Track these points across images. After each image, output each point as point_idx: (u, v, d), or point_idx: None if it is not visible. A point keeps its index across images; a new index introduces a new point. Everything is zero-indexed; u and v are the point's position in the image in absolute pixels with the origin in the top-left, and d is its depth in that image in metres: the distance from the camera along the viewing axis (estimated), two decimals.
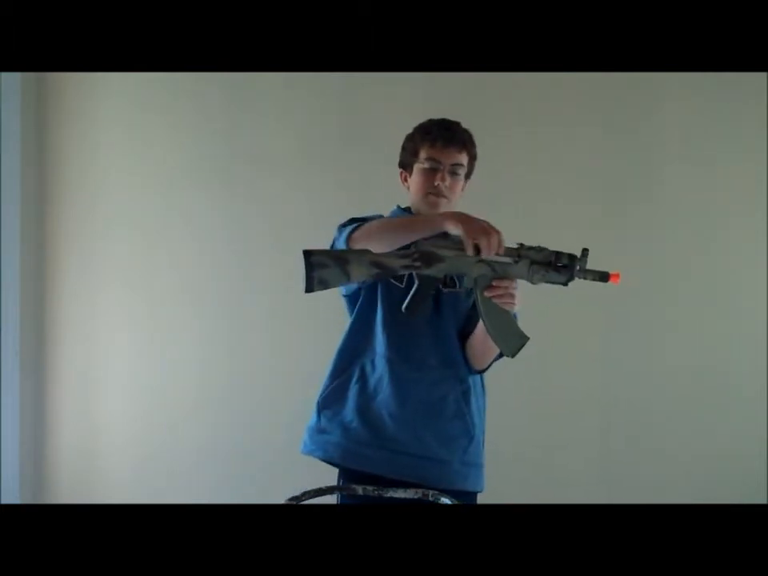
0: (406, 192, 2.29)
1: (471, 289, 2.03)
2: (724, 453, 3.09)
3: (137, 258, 3.42)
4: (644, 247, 3.13)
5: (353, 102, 3.23)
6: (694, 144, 3.13)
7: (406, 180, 2.29)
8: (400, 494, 2.11)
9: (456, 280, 2.08)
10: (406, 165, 2.28)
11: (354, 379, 2.23)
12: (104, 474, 3.45)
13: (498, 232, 1.94)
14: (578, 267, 1.93)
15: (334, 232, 2.17)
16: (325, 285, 1.99)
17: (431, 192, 2.21)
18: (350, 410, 2.22)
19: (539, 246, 1.96)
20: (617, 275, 1.93)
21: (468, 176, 2.27)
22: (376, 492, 2.13)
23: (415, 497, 2.10)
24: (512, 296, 2.01)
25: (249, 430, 3.29)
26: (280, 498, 2.12)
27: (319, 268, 1.99)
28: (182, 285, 3.38)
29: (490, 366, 2.25)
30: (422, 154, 2.22)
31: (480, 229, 1.93)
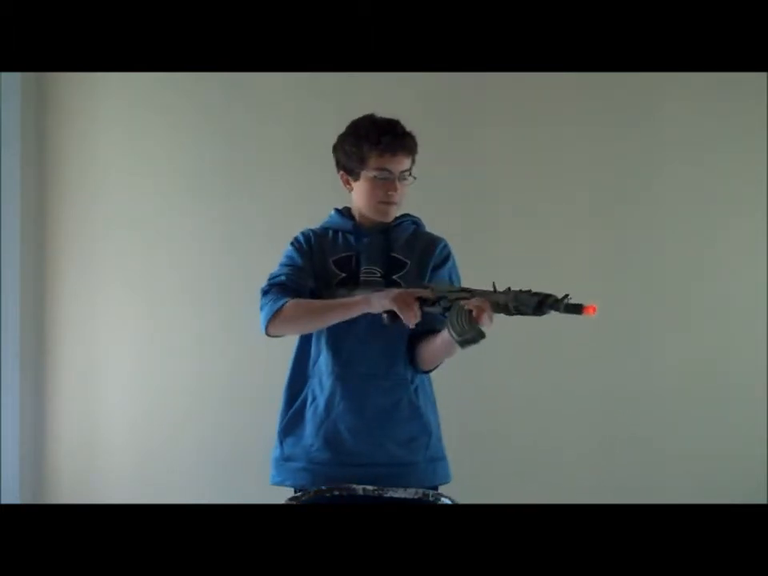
0: (347, 194, 2.29)
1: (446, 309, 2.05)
2: (724, 453, 3.09)
3: (137, 257, 3.41)
4: (644, 247, 3.13)
5: (352, 102, 3.22)
6: (694, 144, 3.13)
7: (348, 183, 2.28)
8: (400, 493, 2.11)
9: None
10: (349, 170, 2.26)
11: (308, 403, 2.24)
12: (104, 474, 3.44)
13: (414, 302, 2.03)
14: (551, 306, 1.88)
15: (258, 294, 2.24)
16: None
17: (383, 201, 2.22)
18: (309, 434, 2.23)
19: (523, 292, 1.93)
20: (591, 307, 1.87)
21: (411, 173, 2.25)
22: (376, 492, 2.13)
23: (415, 497, 2.10)
24: (483, 310, 1.95)
25: (249, 430, 3.28)
26: (280, 498, 2.12)
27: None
28: (182, 284, 3.38)
29: (435, 367, 2.26)
30: (372, 163, 2.20)
31: (404, 304, 2.03)
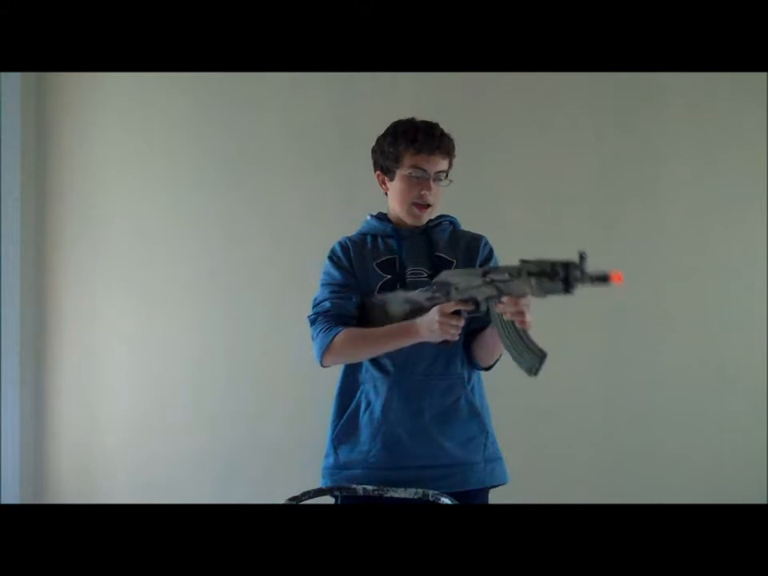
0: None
1: (487, 309, 2.05)
2: (724, 453, 3.09)
3: (137, 257, 3.41)
4: (644, 247, 3.13)
5: (352, 102, 3.23)
6: (694, 144, 3.13)
7: (384, 183, 2.27)
8: (400, 493, 2.11)
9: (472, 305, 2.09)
10: (385, 169, 2.25)
11: (362, 409, 2.22)
12: (104, 474, 3.44)
13: (450, 318, 2.05)
14: (576, 274, 1.83)
15: (306, 322, 2.26)
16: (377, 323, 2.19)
17: (417, 202, 2.22)
18: (365, 440, 2.20)
19: (537, 259, 1.90)
20: (618, 275, 1.85)
21: (448, 175, 2.26)
22: (376, 492, 2.13)
23: (415, 497, 2.10)
24: (521, 313, 1.98)
25: (249, 430, 3.28)
26: (280, 498, 2.12)
27: (370, 312, 2.21)
28: (183, 284, 3.37)
29: (495, 363, 2.24)
30: (407, 161, 2.19)
31: (445, 327, 2.04)
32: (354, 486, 2.16)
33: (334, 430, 2.25)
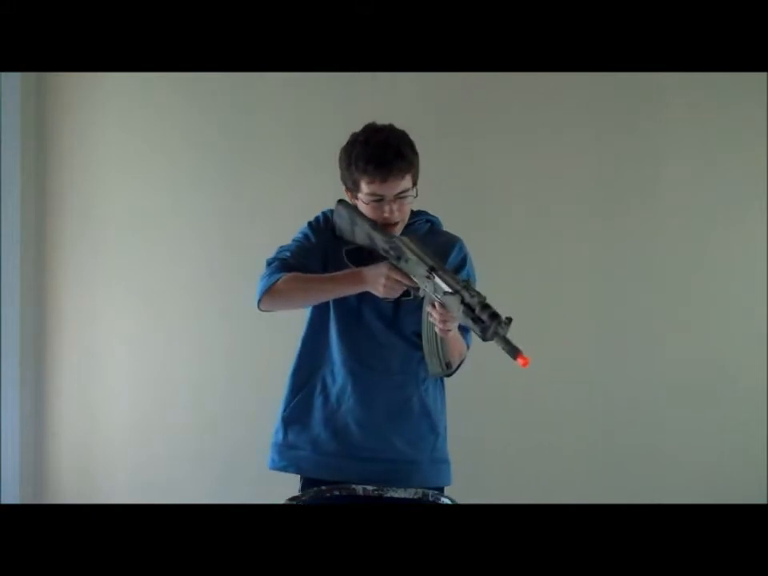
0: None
1: (421, 299, 2.09)
2: (724, 453, 3.09)
3: (137, 256, 3.41)
4: (644, 247, 3.13)
5: (352, 102, 3.23)
6: (694, 144, 3.13)
7: (352, 198, 2.25)
8: (400, 493, 2.11)
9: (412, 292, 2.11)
10: (348, 188, 2.24)
11: (317, 392, 2.24)
12: (104, 474, 3.44)
13: (394, 276, 2.06)
14: (497, 330, 1.85)
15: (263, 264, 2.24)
16: (339, 232, 2.22)
17: (383, 223, 2.19)
18: (316, 423, 2.23)
19: (476, 292, 1.92)
20: (526, 359, 1.82)
21: (415, 183, 2.20)
22: (376, 492, 2.13)
23: (415, 497, 2.10)
24: (444, 323, 2.00)
25: (249, 430, 3.28)
26: (280, 498, 2.12)
27: (338, 217, 2.23)
28: (183, 283, 3.38)
29: (456, 370, 2.23)
30: (364, 188, 2.16)
31: (387, 285, 2.06)
32: (353, 485, 2.16)
33: (285, 409, 2.26)
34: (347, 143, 2.23)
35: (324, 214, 2.31)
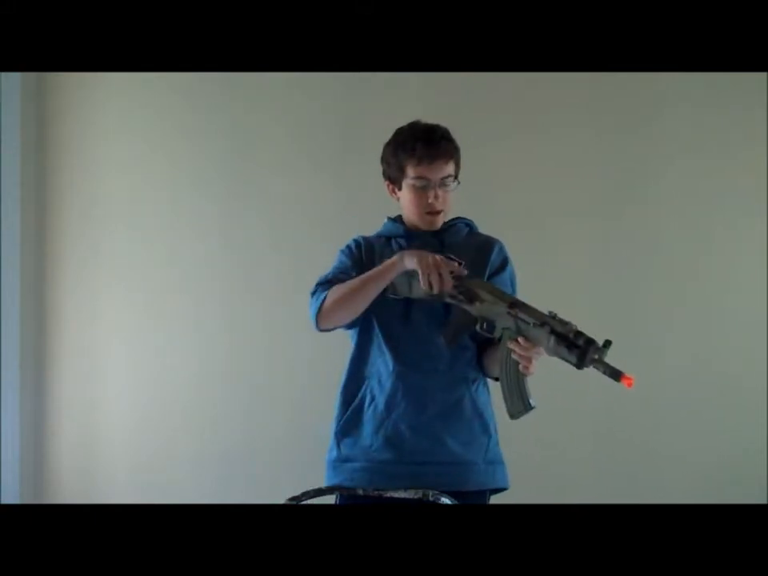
0: (396, 202, 2.29)
1: (500, 338, 2.06)
2: (724, 453, 3.09)
3: (137, 256, 3.41)
4: (644, 247, 3.13)
5: (353, 103, 3.23)
6: (694, 144, 3.13)
7: (394, 192, 2.28)
8: (400, 493, 2.11)
9: (487, 326, 2.09)
10: (392, 179, 2.26)
11: (366, 404, 2.22)
12: (104, 474, 3.44)
13: (445, 267, 2.06)
14: (593, 356, 1.87)
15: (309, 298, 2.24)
16: (393, 289, 2.17)
17: (427, 210, 2.21)
18: (368, 434, 2.21)
19: (564, 320, 1.92)
20: (630, 380, 1.84)
21: (457, 175, 2.25)
22: (376, 492, 2.13)
23: (415, 497, 2.10)
24: (529, 359, 2.00)
25: (248, 430, 3.29)
26: (280, 498, 2.12)
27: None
28: (183, 283, 3.38)
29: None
30: (410, 172, 2.20)
31: (432, 264, 2.05)
32: (353, 485, 2.15)
33: (337, 425, 2.25)
34: (390, 138, 2.27)
35: (354, 239, 2.31)
